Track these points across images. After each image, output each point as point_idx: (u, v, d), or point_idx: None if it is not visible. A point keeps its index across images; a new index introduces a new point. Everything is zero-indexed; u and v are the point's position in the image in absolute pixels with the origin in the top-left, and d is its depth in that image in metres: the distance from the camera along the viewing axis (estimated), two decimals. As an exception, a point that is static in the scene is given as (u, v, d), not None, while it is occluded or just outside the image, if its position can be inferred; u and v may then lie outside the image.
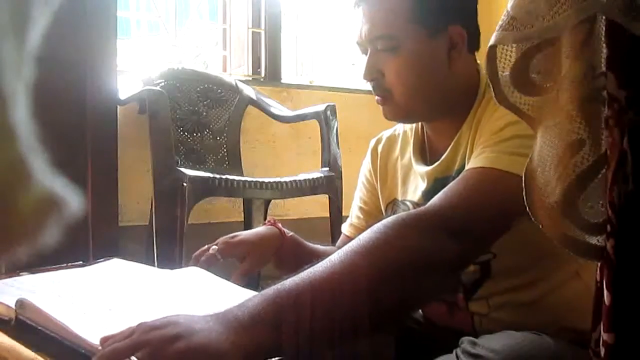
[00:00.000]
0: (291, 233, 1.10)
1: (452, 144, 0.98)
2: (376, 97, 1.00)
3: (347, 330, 0.65)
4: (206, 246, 1.04)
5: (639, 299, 0.47)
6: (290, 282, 0.65)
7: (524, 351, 0.79)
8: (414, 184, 1.05)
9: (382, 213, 1.14)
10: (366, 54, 0.98)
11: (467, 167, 0.87)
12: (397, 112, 0.99)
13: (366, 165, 1.18)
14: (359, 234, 1.16)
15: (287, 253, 1.08)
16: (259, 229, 1.09)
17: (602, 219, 0.48)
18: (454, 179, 0.94)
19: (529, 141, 0.77)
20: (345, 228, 1.20)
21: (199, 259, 1.02)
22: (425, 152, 1.06)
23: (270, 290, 0.64)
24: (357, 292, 0.65)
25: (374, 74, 0.97)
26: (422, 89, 0.96)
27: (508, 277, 0.93)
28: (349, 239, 1.16)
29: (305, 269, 0.68)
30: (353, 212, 1.20)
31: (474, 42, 0.99)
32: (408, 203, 1.05)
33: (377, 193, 1.15)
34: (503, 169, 0.81)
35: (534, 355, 0.80)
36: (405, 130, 1.12)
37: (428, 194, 0.99)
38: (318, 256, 1.10)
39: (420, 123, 1.07)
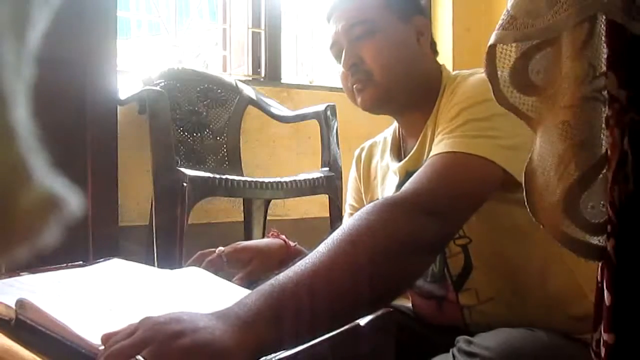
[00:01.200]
0: (295, 243, 1.13)
1: (420, 138, 1.03)
2: (354, 86, 1.04)
3: (342, 316, 0.67)
4: (212, 249, 1.05)
5: (639, 300, 0.47)
6: (283, 276, 0.66)
7: (519, 347, 0.80)
8: (391, 181, 1.10)
9: None
10: (340, 57, 1.04)
11: (434, 151, 0.91)
12: (376, 96, 1.02)
13: (352, 173, 1.26)
14: None
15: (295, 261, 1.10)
16: (265, 240, 1.12)
17: (603, 219, 0.48)
18: None
19: (482, 123, 0.87)
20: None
21: (204, 257, 1.03)
22: (401, 150, 1.12)
23: (266, 286, 0.65)
24: (348, 278, 0.68)
25: (354, 59, 1.02)
26: (400, 68, 1.01)
27: (490, 264, 0.96)
28: None
29: (296, 262, 0.69)
30: (346, 214, 1.26)
31: (432, 41, 1.08)
32: None
33: (362, 199, 1.21)
34: (462, 151, 0.85)
35: (528, 350, 0.81)
36: (385, 137, 1.19)
37: (400, 187, 1.03)
38: None
39: (396, 125, 1.14)
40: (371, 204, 0.79)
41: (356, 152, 1.26)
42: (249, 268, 1.04)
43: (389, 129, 1.21)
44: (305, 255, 1.11)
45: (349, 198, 1.27)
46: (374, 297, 0.70)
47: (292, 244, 1.11)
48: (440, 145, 0.90)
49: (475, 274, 0.96)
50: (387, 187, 1.12)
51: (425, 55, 1.05)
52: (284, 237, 1.12)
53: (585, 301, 0.88)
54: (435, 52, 1.10)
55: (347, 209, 1.26)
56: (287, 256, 1.09)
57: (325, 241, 0.72)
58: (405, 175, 1.04)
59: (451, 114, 0.93)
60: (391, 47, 1.01)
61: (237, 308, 0.62)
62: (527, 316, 0.89)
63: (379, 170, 1.17)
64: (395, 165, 1.09)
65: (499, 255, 0.96)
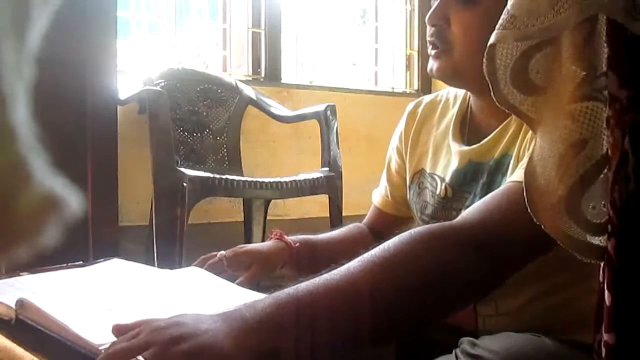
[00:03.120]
0: (298, 241, 1.06)
1: (499, 129, 0.92)
2: (430, 51, 0.94)
3: (357, 342, 0.64)
4: (214, 252, 1.03)
5: (639, 300, 0.47)
6: (304, 287, 0.63)
7: (523, 352, 0.79)
8: (446, 159, 1.00)
9: (407, 185, 1.09)
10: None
11: (510, 178, 0.80)
12: (448, 69, 0.92)
13: (399, 130, 1.12)
14: (387, 206, 1.15)
15: (300, 262, 1.05)
16: (267, 243, 1.06)
17: (604, 219, 0.48)
18: (490, 166, 0.92)
19: None
20: (375, 198, 1.18)
21: (206, 261, 1.02)
22: (465, 129, 1.00)
23: (283, 295, 0.62)
24: (369, 304, 0.63)
25: (439, 19, 0.91)
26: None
27: (519, 286, 0.89)
28: (378, 210, 1.16)
29: (322, 274, 0.66)
30: (382, 181, 1.17)
31: None
32: (437, 177, 1.01)
33: (405, 162, 1.10)
34: None
35: (533, 356, 0.80)
36: (448, 98, 1.06)
37: (458, 174, 0.96)
38: (339, 248, 1.08)
39: (468, 96, 1.01)
40: (423, 228, 0.71)
41: (409, 106, 1.11)
42: (249, 273, 1.00)
43: (452, 89, 1.06)
44: (316, 246, 1.08)
45: (387, 162, 1.14)
46: (388, 329, 0.66)
47: (295, 243, 1.05)
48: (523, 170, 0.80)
49: (499, 290, 0.92)
50: (441, 165, 1.00)
51: None
52: (287, 238, 1.06)
53: None
54: None
55: (383, 177, 1.15)
56: (289, 258, 1.04)
57: (361, 258, 0.67)
58: (467, 163, 0.95)
59: None
60: (485, 26, 0.84)
61: (245, 310, 0.61)
62: (540, 330, 0.86)
63: (433, 137, 1.04)
64: (457, 147, 0.97)
65: (529, 281, 0.88)
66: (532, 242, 0.69)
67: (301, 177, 1.99)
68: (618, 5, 0.45)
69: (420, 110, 1.09)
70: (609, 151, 0.47)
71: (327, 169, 2.09)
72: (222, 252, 1.02)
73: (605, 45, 0.47)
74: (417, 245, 0.68)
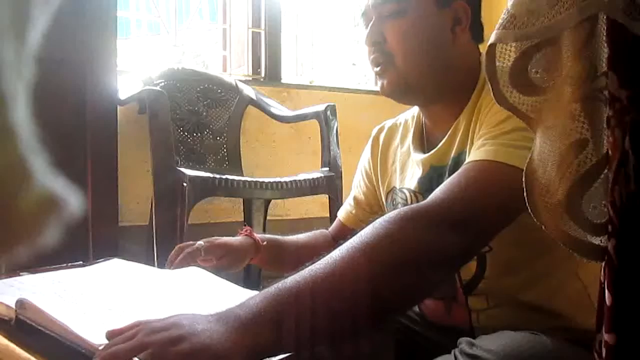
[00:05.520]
0: (266, 239, 1.12)
1: (450, 131, 0.97)
2: (375, 68, 0.99)
3: (348, 327, 0.65)
4: (190, 242, 1.07)
5: (639, 300, 0.47)
6: (291, 280, 0.65)
7: (522, 351, 0.79)
8: (412, 172, 1.06)
9: (377, 204, 1.16)
10: (369, 24, 0.98)
11: (467, 160, 0.86)
12: (395, 81, 0.97)
13: (366, 154, 1.18)
14: (350, 220, 1.20)
15: (267, 259, 1.13)
16: (238, 237, 1.12)
17: (605, 219, 0.48)
18: (449, 167, 0.96)
19: (530, 134, 0.75)
20: (340, 213, 1.24)
21: (182, 249, 1.04)
22: (424, 140, 1.06)
23: (272, 289, 0.64)
24: (357, 289, 0.66)
25: (376, 37, 0.96)
26: (424, 57, 0.95)
27: (505, 274, 0.93)
28: (341, 223, 1.22)
29: (306, 266, 0.68)
30: (349, 198, 1.22)
31: (477, 28, 0.99)
32: (405, 191, 1.06)
33: (373, 184, 1.16)
34: (504, 161, 0.80)
35: (531, 355, 0.80)
36: (406, 119, 1.12)
37: (423, 181, 1.00)
38: (304, 251, 1.14)
39: (419, 112, 1.07)
40: (394, 212, 0.75)
41: (374, 132, 1.18)
42: (220, 262, 1.06)
43: (409, 110, 1.14)
44: (282, 247, 1.14)
45: (354, 183, 1.21)
46: (381, 310, 0.68)
47: (263, 240, 1.11)
48: (480, 151, 0.83)
49: (487, 281, 0.93)
50: (408, 178, 1.06)
51: (460, 45, 0.96)
52: (255, 235, 1.12)
53: (594, 317, 0.85)
54: (478, 40, 1.00)
55: (350, 195, 1.21)
56: (256, 254, 1.10)
57: (340, 247, 0.70)
58: (430, 169, 1.00)
59: (497, 117, 0.85)
60: (418, 33, 0.94)
61: (238, 309, 0.62)
62: (535, 323, 0.87)
63: (399, 156, 1.10)
64: (418, 157, 1.03)
65: (515, 267, 0.92)
66: (494, 212, 0.77)
67: (301, 177, 1.99)
68: (618, 5, 0.45)
69: (382, 135, 1.16)
70: (609, 151, 0.47)
71: (327, 169, 2.09)
72: (200, 242, 1.06)
73: (605, 45, 0.47)
74: (392, 227, 0.71)
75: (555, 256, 0.89)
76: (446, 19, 0.95)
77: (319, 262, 0.68)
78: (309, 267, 0.67)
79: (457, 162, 0.94)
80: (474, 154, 0.85)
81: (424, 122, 1.06)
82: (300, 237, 1.20)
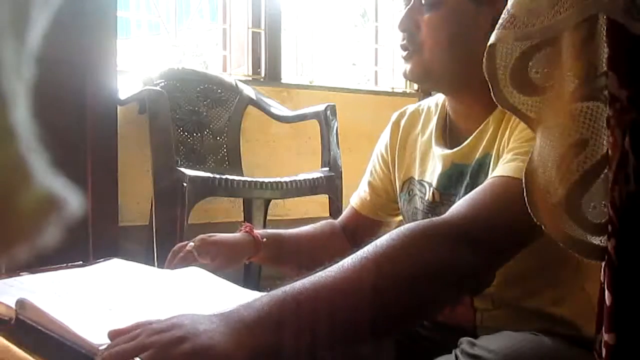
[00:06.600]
0: (266, 236, 1.09)
1: (477, 131, 0.95)
2: (402, 52, 0.98)
3: (352, 337, 0.65)
4: (184, 242, 1.05)
5: (639, 300, 0.47)
6: (300, 284, 0.64)
7: (522, 351, 0.79)
8: (432, 165, 1.03)
9: (393, 190, 1.12)
10: (408, 5, 0.97)
11: (493, 174, 0.83)
12: (418, 69, 0.96)
13: (384, 139, 1.15)
14: (365, 208, 1.17)
15: (267, 256, 1.10)
16: (236, 234, 1.09)
17: (605, 219, 0.48)
18: (472, 167, 0.94)
19: None
20: (354, 200, 1.20)
21: (176, 255, 1.03)
22: (446, 133, 1.03)
23: (279, 292, 0.63)
24: (366, 299, 0.64)
25: (409, 25, 0.96)
26: (453, 51, 0.94)
27: (513, 283, 0.92)
28: (355, 211, 1.18)
29: (317, 271, 0.67)
30: (362, 184, 1.19)
31: None
32: (426, 184, 1.04)
33: (389, 171, 1.13)
34: None
35: (532, 355, 0.80)
36: (429, 106, 1.09)
37: (443, 178, 0.99)
38: (306, 246, 1.13)
39: (445, 102, 1.05)
40: (414, 224, 0.73)
41: (394, 116, 1.14)
42: (215, 263, 1.03)
43: (434, 97, 1.10)
44: (284, 242, 1.12)
45: (369, 168, 1.17)
46: (386, 324, 0.68)
47: (262, 238, 1.08)
48: (508, 166, 0.80)
49: (494, 286, 0.92)
50: (429, 171, 1.03)
51: None
52: (256, 232, 1.09)
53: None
54: None
55: (363, 181, 1.17)
56: (256, 252, 1.07)
57: (354, 255, 0.68)
58: (451, 165, 0.98)
59: (530, 132, 0.85)
60: (451, 27, 0.93)
61: (243, 310, 0.62)
62: (539, 326, 0.87)
63: (419, 145, 1.07)
64: (440, 151, 1.01)
65: (523, 278, 0.91)
66: (516, 234, 0.74)
67: (301, 177, 1.99)
68: (618, 5, 0.45)
69: (403, 120, 1.12)
70: (609, 151, 0.47)
71: (327, 169, 2.09)
72: (191, 243, 1.03)
73: (605, 45, 0.47)
74: (408, 241, 0.70)
75: (563, 269, 0.89)
76: (483, 18, 0.92)
77: (330, 268, 0.67)
78: (319, 273, 0.66)
79: (481, 164, 0.93)
80: (502, 168, 0.82)
81: (449, 114, 1.03)
82: (304, 229, 1.17)
